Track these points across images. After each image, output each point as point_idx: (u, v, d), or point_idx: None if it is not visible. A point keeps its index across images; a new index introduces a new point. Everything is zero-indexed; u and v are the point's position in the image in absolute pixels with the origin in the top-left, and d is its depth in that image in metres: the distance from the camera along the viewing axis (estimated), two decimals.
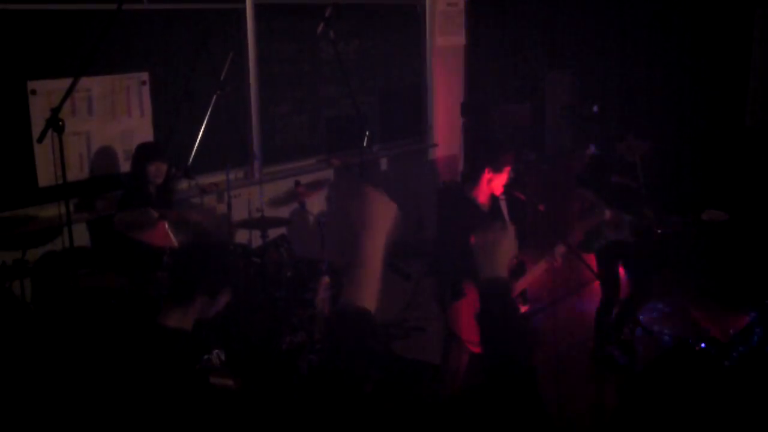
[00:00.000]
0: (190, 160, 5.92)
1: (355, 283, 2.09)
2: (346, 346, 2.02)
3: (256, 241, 6.19)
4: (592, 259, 5.67)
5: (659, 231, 5.69)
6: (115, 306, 4.92)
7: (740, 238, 7.72)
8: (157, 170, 5.40)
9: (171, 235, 4.74)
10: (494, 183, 4.61)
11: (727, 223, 5.62)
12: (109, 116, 5.88)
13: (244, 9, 6.73)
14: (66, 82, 4.37)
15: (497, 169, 4.58)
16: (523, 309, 4.70)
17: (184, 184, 6.21)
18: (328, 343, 2.11)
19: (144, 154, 5.45)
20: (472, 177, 4.73)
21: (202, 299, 3.10)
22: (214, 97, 6.00)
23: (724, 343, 6.02)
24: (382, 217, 2.14)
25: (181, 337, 3.14)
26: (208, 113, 6.00)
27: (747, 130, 8.46)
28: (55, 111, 4.18)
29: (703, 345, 5.30)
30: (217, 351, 3.60)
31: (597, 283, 5.90)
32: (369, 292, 2.08)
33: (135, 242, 4.93)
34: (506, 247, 2.22)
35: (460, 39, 8.95)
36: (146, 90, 6.08)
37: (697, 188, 7.47)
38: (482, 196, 4.64)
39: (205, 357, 3.53)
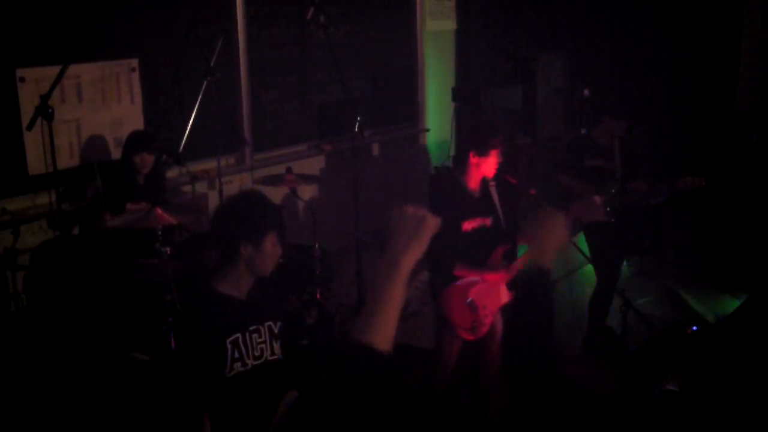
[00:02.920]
0: (181, 146, 5.90)
1: (371, 316, 1.91)
2: (356, 385, 1.88)
3: None
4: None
5: (652, 202, 5.70)
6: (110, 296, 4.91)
7: (730, 222, 7.75)
8: (142, 161, 5.35)
9: (168, 216, 4.73)
10: (483, 167, 4.57)
11: (705, 190, 5.61)
12: (99, 103, 5.85)
13: None
14: (55, 70, 4.36)
15: (483, 153, 4.53)
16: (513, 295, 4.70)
17: (174, 171, 6.19)
18: (333, 378, 1.93)
19: (131, 143, 5.42)
20: (460, 162, 4.72)
21: (247, 249, 3.07)
22: (205, 83, 5.97)
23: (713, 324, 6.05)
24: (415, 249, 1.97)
25: (233, 305, 3.15)
26: (199, 99, 5.98)
27: (737, 114, 8.48)
28: (45, 98, 4.18)
29: (695, 328, 5.33)
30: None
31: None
32: (387, 327, 1.91)
33: (124, 231, 4.93)
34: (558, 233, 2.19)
35: (451, 23, 8.93)
36: (136, 77, 6.05)
37: (687, 169, 7.48)
38: (472, 181, 4.62)
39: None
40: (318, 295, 5.64)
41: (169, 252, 4.64)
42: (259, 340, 3.20)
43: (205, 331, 3.06)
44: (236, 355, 3.10)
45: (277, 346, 3.25)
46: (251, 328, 3.18)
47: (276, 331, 3.27)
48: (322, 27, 6.46)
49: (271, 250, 3.15)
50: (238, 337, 3.12)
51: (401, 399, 3.15)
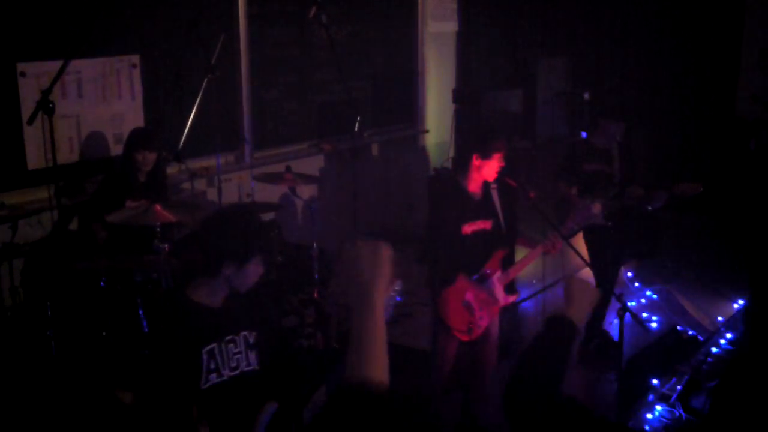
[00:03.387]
0: (181, 143, 5.90)
1: (365, 355, 1.86)
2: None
3: None
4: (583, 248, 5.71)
5: (649, 208, 5.70)
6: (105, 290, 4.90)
7: (729, 227, 7.76)
8: (144, 159, 5.33)
9: (166, 213, 4.73)
10: (484, 170, 4.56)
11: (703, 197, 5.62)
12: (99, 99, 5.85)
13: None
14: (56, 65, 4.35)
15: (485, 155, 4.53)
16: (512, 299, 4.70)
17: (174, 168, 6.19)
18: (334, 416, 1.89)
19: (133, 141, 5.40)
20: (461, 164, 4.71)
21: (230, 269, 3.01)
22: (206, 80, 5.97)
23: (713, 330, 6.05)
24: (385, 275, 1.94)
25: (208, 315, 3.06)
26: (199, 97, 5.97)
27: (736, 120, 8.50)
28: (45, 93, 4.16)
29: (691, 332, 5.34)
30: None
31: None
32: (381, 362, 1.87)
33: (122, 227, 4.92)
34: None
35: (452, 25, 8.93)
36: (137, 73, 6.05)
37: (687, 175, 7.49)
38: (473, 183, 4.61)
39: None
40: (316, 295, 5.64)
41: (167, 249, 4.64)
42: (235, 351, 3.12)
43: (180, 341, 2.97)
44: (212, 365, 3.03)
45: (253, 356, 3.18)
46: (227, 338, 3.11)
47: (252, 341, 3.19)
48: (323, 27, 6.46)
49: (253, 271, 3.08)
50: (213, 347, 3.05)
51: (395, 401, 3.14)
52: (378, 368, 1.84)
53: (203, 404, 2.98)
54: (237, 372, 3.11)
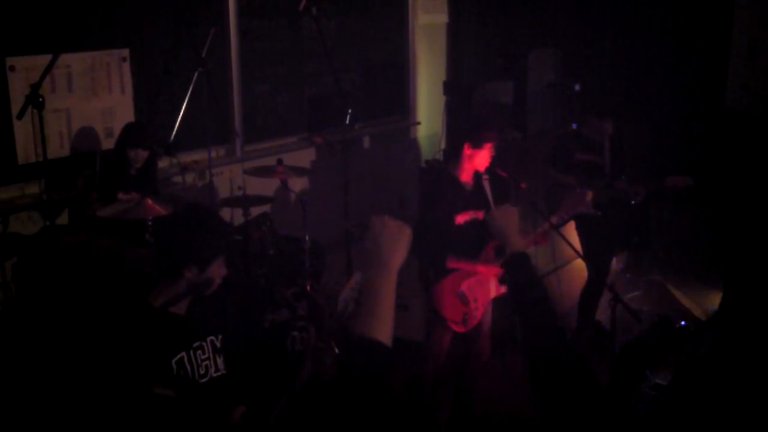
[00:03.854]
0: (172, 137, 5.88)
1: (372, 315, 2.08)
2: (359, 380, 2.00)
3: (238, 219, 6.17)
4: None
5: (632, 202, 5.73)
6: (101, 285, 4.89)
7: (718, 217, 7.78)
8: (137, 156, 5.34)
9: (158, 207, 4.72)
10: (476, 160, 4.58)
11: (694, 190, 5.65)
12: (89, 93, 5.83)
13: None
14: (45, 59, 4.33)
15: (477, 145, 4.55)
16: (504, 290, 4.71)
17: (165, 162, 6.17)
18: (338, 373, 2.11)
19: (126, 138, 5.39)
20: (453, 155, 4.72)
21: (192, 272, 2.89)
22: (196, 74, 5.95)
23: (704, 321, 6.09)
24: (401, 245, 2.17)
25: (173, 323, 2.95)
26: (190, 90, 5.96)
27: (726, 111, 8.51)
28: (35, 87, 4.15)
29: (683, 323, 5.36)
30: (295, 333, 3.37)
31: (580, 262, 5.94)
32: (386, 324, 2.08)
33: (113, 221, 4.91)
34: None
35: (442, 16, 8.92)
36: (127, 67, 6.02)
37: (678, 168, 7.51)
38: (465, 174, 4.63)
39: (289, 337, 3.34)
40: (308, 288, 5.64)
41: None
42: (203, 357, 3.03)
43: (147, 355, 2.84)
44: (182, 375, 2.93)
45: (220, 360, 3.09)
46: (195, 344, 3.00)
47: (218, 345, 3.10)
48: (314, 19, 6.44)
49: (215, 273, 2.97)
50: (182, 356, 2.94)
51: (390, 392, 3.10)
52: (384, 331, 2.06)
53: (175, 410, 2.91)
54: (206, 379, 3.02)
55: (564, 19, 8.85)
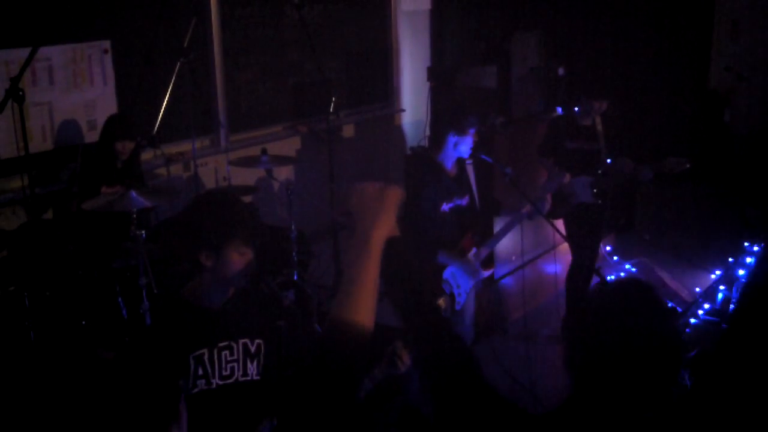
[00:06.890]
0: (155, 129, 5.85)
1: (348, 295, 1.87)
2: (338, 366, 1.81)
3: None
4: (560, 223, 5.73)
5: (640, 180, 5.73)
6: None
7: (704, 198, 7.82)
8: (124, 148, 5.30)
9: (143, 199, 4.70)
10: (460, 146, 4.58)
11: (689, 173, 5.66)
12: (71, 86, 5.79)
13: None
14: (25, 52, 4.29)
15: (461, 132, 4.55)
16: (488, 272, 4.73)
17: (149, 154, 6.14)
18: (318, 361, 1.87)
19: (112, 130, 5.34)
20: (437, 142, 4.72)
21: (208, 258, 2.74)
22: (178, 64, 5.92)
23: (690, 301, 6.12)
24: (388, 215, 1.92)
25: (200, 317, 2.83)
26: (173, 81, 5.93)
27: (709, 92, 8.55)
28: (15, 81, 4.10)
29: (670, 304, 5.38)
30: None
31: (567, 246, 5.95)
32: (365, 304, 1.87)
33: (99, 214, 4.89)
34: None
35: (425, 2, 8.89)
36: (108, 58, 5.98)
37: (666, 149, 7.55)
38: (449, 160, 4.63)
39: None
40: (295, 277, 5.63)
41: (144, 235, 4.61)
42: (230, 358, 2.85)
43: (166, 344, 2.75)
44: (200, 372, 2.79)
45: (252, 366, 2.89)
46: (221, 344, 2.84)
47: (253, 350, 2.90)
48: (296, 7, 6.42)
49: (236, 258, 2.77)
50: (203, 353, 2.80)
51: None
52: (364, 313, 1.85)
53: (190, 409, 2.86)
54: (230, 381, 2.86)
55: (546, 2, 8.84)
